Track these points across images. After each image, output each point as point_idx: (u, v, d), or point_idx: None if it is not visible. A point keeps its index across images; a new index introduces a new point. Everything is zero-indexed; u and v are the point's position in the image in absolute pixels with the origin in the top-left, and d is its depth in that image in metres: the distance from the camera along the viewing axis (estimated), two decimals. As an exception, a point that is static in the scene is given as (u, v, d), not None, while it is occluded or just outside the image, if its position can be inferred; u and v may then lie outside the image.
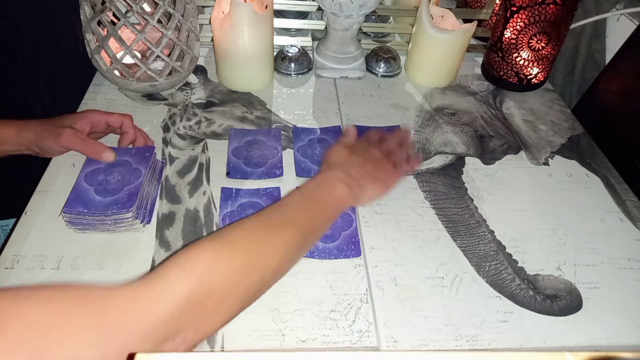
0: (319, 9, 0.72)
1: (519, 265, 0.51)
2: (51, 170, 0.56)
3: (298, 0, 0.77)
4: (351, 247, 0.50)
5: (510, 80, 0.75)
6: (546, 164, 0.64)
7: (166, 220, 0.51)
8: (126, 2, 0.58)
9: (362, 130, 0.66)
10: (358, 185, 0.47)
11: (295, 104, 0.70)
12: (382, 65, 0.77)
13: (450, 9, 0.74)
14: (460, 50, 0.72)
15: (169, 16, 0.59)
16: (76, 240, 0.49)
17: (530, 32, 0.69)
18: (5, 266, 0.45)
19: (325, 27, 0.75)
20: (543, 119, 0.72)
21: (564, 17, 0.67)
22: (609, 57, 0.81)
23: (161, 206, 0.53)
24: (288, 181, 0.57)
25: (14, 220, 0.77)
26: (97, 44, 0.58)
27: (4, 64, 0.72)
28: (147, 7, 0.64)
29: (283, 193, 0.55)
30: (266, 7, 0.64)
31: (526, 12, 0.67)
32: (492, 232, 0.54)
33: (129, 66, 0.60)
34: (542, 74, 0.75)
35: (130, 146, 0.56)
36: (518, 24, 0.69)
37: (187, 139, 0.62)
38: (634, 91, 0.71)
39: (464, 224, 0.55)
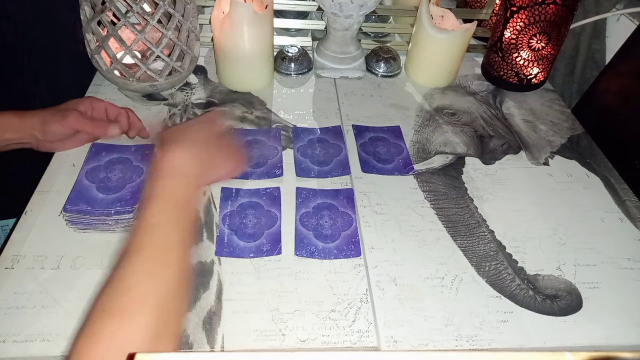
0: (319, 9, 0.72)
1: (519, 265, 0.51)
2: (51, 170, 0.55)
3: (298, 0, 0.77)
4: (351, 247, 0.50)
5: (510, 80, 0.75)
6: (546, 164, 0.64)
7: (166, 220, 0.51)
8: (126, 2, 0.58)
9: (362, 130, 0.66)
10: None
11: (295, 104, 0.70)
12: (382, 65, 0.77)
13: (450, 9, 0.74)
14: (460, 50, 0.72)
15: (169, 16, 0.59)
16: (76, 240, 0.49)
17: (530, 32, 0.69)
18: (5, 266, 0.45)
19: (325, 27, 0.75)
20: (543, 119, 0.72)
21: (564, 17, 0.67)
22: (609, 57, 0.81)
23: (161, 206, 0.53)
24: (288, 181, 0.57)
25: (14, 220, 0.77)
26: (97, 44, 0.58)
27: (4, 64, 0.72)
28: (147, 7, 0.64)
29: (283, 193, 0.55)
30: (266, 7, 0.64)
31: (526, 12, 0.67)
32: (492, 232, 0.54)
33: (129, 66, 0.60)
34: (542, 74, 0.75)
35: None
36: (518, 24, 0.69)
37: (187, 139, 0.62)
38: (634, 91, 0.71)
39: (464, 224, 0.55)
